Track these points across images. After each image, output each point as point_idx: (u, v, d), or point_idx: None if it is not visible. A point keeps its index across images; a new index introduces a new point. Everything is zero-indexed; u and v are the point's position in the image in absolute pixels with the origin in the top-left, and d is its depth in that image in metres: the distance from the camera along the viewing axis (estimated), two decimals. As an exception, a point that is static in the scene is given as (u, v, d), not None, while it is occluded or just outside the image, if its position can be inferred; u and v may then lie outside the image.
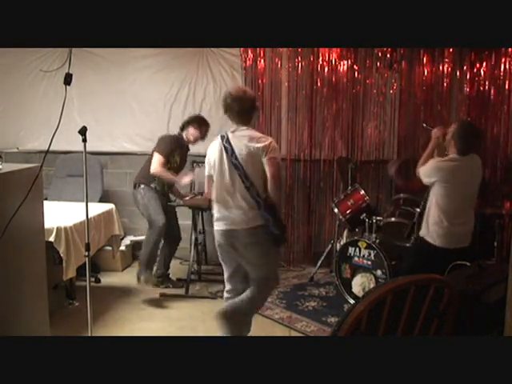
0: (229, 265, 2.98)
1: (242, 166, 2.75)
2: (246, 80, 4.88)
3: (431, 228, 3.33)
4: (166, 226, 4.09)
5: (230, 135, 2.83)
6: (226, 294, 3.05)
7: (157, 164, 4.00)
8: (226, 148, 2.80)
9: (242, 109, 2.81)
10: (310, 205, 5.15)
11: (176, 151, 4.14)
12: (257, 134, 2.83)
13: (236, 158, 2.76)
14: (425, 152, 3.52)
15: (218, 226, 2.89)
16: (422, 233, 3.42)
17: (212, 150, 2.90)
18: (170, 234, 4.29)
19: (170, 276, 4.47)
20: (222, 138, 2.85)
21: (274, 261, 3.03)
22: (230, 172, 2.78)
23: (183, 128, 4.22)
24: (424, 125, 4.10)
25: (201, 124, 4.20)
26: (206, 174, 2.94)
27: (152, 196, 4.09)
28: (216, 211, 2.89)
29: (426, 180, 3.36)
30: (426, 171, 3.35)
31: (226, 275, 3.03)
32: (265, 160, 2.74)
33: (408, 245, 3.96)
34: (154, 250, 4.16)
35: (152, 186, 4.12)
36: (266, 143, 2.76)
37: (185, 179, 4.06)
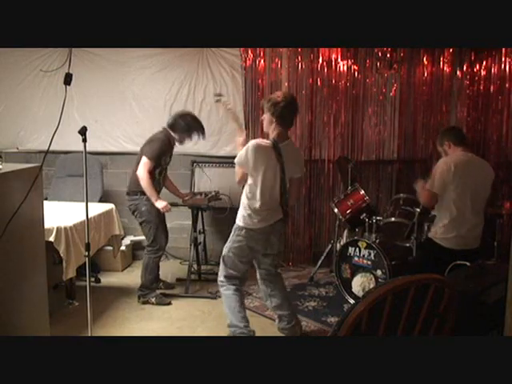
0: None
1: None
2: (246, 80, 4.88)
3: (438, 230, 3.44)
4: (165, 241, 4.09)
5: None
6: None
7: (144, 169, 3.81)
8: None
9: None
10: (310, 205, 5.15)
11: (167, 154, 3.99)
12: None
13: None
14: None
15: None
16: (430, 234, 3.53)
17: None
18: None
19: (165, 278, 4.45)
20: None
21: None
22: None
23: (180, 131, 3.97)
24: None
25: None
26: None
27: (157, 210, 3.90)
28: None
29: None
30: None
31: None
32: None
33: (408, 244, 3.98)
34: (157, 271, 4.13)
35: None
36: None
37: (162, 206, 3.87)
